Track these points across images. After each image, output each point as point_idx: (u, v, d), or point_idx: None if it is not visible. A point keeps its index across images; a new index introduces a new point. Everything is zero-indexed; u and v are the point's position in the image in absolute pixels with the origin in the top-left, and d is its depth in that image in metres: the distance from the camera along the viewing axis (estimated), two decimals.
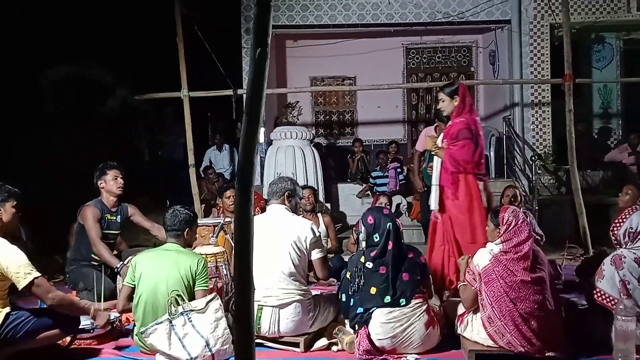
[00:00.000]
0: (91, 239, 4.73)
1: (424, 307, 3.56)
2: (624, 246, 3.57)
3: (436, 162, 4.71)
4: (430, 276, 3.83)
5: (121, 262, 4.65)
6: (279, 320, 3.66)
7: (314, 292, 3.97)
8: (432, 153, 4.83)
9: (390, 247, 3.57)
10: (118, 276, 4.56)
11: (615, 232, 3.61)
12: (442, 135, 4.77)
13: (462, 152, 4.51)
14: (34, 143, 7.04)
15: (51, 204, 6.15)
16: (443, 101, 4.67)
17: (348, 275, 3.67)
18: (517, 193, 5.95)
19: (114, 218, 4.99)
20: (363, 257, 3.64)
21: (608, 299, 3.44)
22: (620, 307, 3.22)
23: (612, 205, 7.44)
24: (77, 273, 4.77)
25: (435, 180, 4.68)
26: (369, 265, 3.58)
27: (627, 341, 3.19)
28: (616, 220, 3.65)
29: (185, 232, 3.84)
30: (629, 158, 8.60)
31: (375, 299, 3.52)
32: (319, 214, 6.55)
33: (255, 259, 1.86)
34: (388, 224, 3.62)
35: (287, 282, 3.69)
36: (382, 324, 3.48)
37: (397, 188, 8.55)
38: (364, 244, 3.71)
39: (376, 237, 3.63)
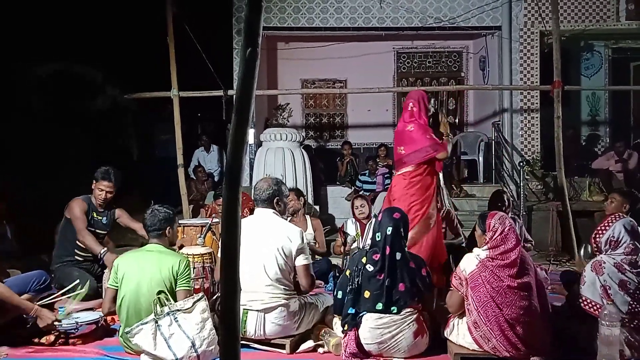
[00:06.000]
0: (77, 229, 4.76)
1: (414, 316, 3.54)
2: (604, 253, 3.57)
3: None
4: (433, 290, 3.82)
5: (104, 249, 4.68)
6: (264, 324, 3.65)
7: None
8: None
9: (387, 252, 3.56)
10: (104, 274, 4.55)
11: (598, 239, 3.61)
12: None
13: None
14: (21, 140, 6.97)
15: (37, 203, 6.10)
16: None
17: (347, 273, 3.66)
18: (506, 197, 5.98)
19: (101, 218, 5.01)
20: (365, 257, 3.62)
21: (590, 305, 3.46)
22: (605, 312, 3.24)
23: (598, 211, 7.52)
24: (61, 273, 4.76)
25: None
26: (369, 268, 3.56)
27: (611, 346, 3.21)
28: (598, 228, 3.65)
29: (166, 231, 3.81)
30: (616, 165, 8.68)
31: (367, 303, 3.52)
32: (307, 217, 6.51)
33: (241, 262, 1.84)
34: (388, 228, 3.61)
35: (273, 287, 3.67)
36: (371, 329, 3.48)
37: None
38: (369, 242, 3.71)
39: (378, 237, 3.64)
